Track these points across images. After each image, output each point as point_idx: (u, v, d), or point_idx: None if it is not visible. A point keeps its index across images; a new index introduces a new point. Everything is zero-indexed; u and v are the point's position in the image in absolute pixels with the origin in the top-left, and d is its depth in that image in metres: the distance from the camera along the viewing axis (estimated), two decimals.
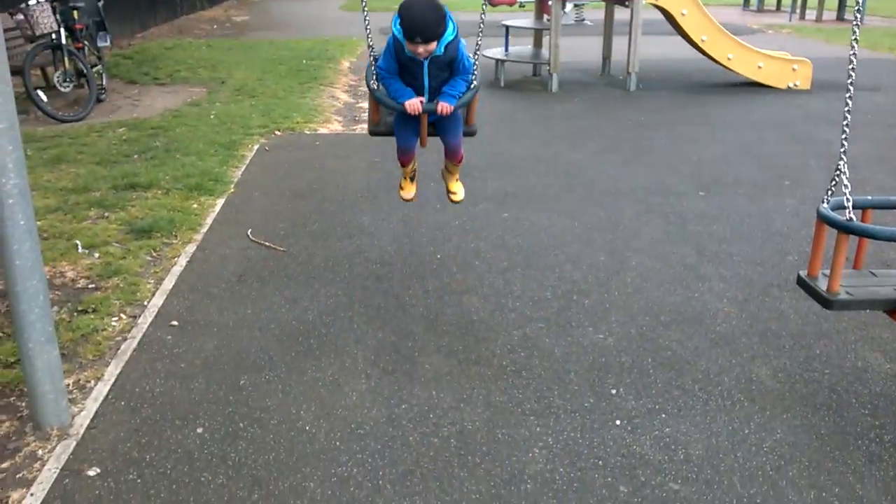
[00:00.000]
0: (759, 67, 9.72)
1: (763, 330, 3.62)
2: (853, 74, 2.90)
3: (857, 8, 2.90)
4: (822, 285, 2.89)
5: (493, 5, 19.51)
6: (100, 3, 9.25)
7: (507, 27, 10.53)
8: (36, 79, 8.19)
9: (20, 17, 8.02)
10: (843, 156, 2.86)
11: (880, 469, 2.66)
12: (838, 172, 2.87)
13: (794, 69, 9.69)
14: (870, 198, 3.03)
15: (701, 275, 4.21)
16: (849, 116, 2.89)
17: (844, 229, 2.76)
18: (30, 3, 7.82)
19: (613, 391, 3.11)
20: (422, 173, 4.40)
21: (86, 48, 8.49)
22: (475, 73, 3.56)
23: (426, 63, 3.45)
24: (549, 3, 9.52)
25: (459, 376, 3.22)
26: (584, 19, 17.74)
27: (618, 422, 2.91)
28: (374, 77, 3.57)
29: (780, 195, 5.54)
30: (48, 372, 2.76)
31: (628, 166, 6.25)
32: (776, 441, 2.80)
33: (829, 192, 2.92)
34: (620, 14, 10.68)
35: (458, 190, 4.16)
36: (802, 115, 8.21)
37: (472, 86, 3.56)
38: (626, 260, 4.40)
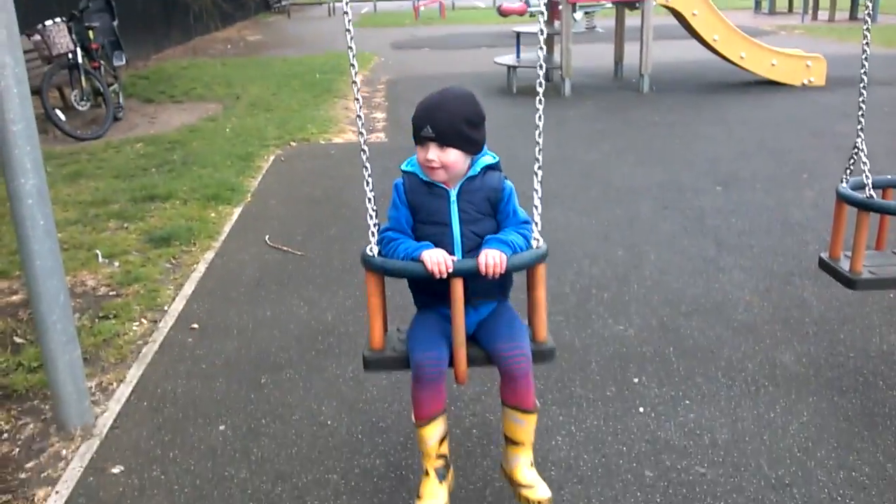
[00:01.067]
0: (773, 65, 9.68)
1: (786, 317, 3.58)
2: (867, 49, 2.87)
3: (867, 8, 2.87)
4: (845, 266, 2.86)
5: (504, 15, 19.68)
6: (115, 23, 9.40)
7: (519, 34, 10.58)
8: (54, 99, 8.32)
9: (37, 38, 8.16)
10: (860, 133, 2.83)
11: None
12: (856, 150, 2.84)
13: (807, 66, 9.64)
14: (889, 177, 3.00)
15: (721, 266, 4.18)
16: (864, 92, 2.86)
17: (865, 207, 2.74)
18: (46, 24, 7.96)
19: (636, 380, 3.09)
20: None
21: (102, 67, 8.61)
22: (536, 231, 2.22)
23: (453, 195, 2.23)
24: (560, 8, 9.55)
25: (480, 371, 3.18)
26: (595, 26, 17.74)
27: (641, 409, 2.88)
28: (375, 249, 2.23)
29: (799, 188, 5.49)
30: (70, 372, 2.78)
31: (644, 165, 6.23)
32: (803, 424, 2.76)
33: (848, 172, 2.90)
34: (631, 21, 10.70)
35: (536, 483, 2.23)
36: (818, 111, 8.16)
37: (537, 245, 2.21)
38: (645, 254, 4.37)
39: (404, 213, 2.25)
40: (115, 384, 3.15)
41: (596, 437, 2.73)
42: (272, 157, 6.75)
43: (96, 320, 3.69)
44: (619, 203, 5.27)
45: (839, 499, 2.37)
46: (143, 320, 3.72)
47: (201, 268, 4.34)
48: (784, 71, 9.67)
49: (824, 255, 2.97)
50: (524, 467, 2.28)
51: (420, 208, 2.24)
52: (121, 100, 8.99)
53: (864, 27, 2.84)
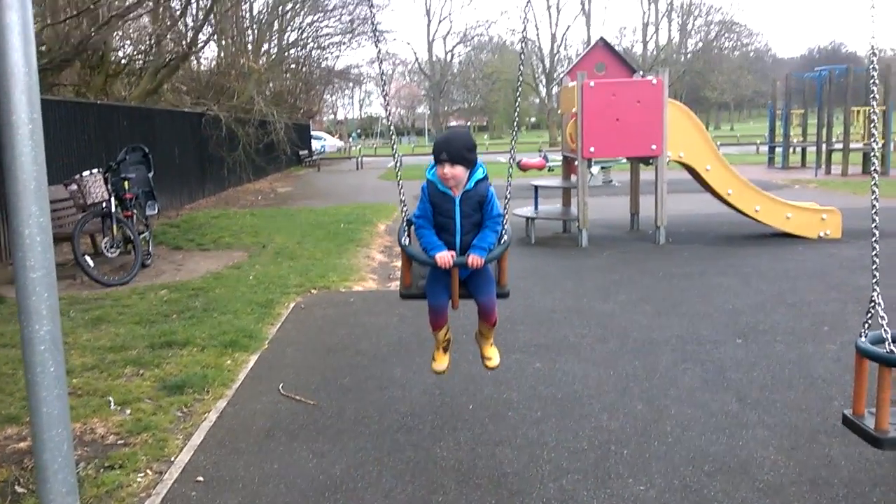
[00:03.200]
0: (788, 218, 9.82)
1: (813, 477, 3.41)
2: (877, 204, 2.90)
3: (874, 164, 2.95)
4: (870, 423, 2.75)
5: (523, 170, 20.42)
6: (150, 174, 9.84)
7: (537, 187, 10.91)
8: (85, 245, 8.59)
9: (74, 187, 8.55)
10: (875, 286, 2.82)
11: None
12: (873, 304, 2.81)
13: (822, 219, 9.77)
14: None
15: (744, 422, 4.05)
16: (877, 246, 2.87)
17: (886, 362, 2.67)
18: (84, 174, 8.35)
19: None
20: (455, 328, 4.38)
21: (135, 216, 8.94)
22: (506, 226, 3.54)
23: (458, 201, 3.49)
24: (576, 164, 9.88)
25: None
26: (611, 180, 18.31)
27: None
28: (406, 232, 3.57)
29: (820, 341, 5.40)
30: None
31: (661, 316, 6.19)
32: None
33: (867, 326, 2.85)
34: (646, 175, 11.01)
35: (494, 355, 3.94)
36: (836, 264, 8.17)
37: (503, 240, 3.52)
38: (665, 409, 4.26)
39: (427, 207, 3.52)
40: None
41: None
42: (292, 305, 6.82)
43: (101, 470, 3.61)
44: (637, 355, 5.20)
45: None
46: (148, 471, 3.63)
47: (212, 416, 4.29)
48: (799, 223, 9.79)
49: (848, 413, 2.87)
50: (487, 345, 3.93)
51: (436, 206, 3.52)
52: (150, 247, 9.25)
53: (872, 183, 2.88)
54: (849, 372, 4.56)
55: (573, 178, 10.53)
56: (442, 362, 3.91)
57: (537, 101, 70.92)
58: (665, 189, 9.75)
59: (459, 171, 3.40)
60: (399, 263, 8.98)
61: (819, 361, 4.97)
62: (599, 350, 5.34)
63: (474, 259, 3.43)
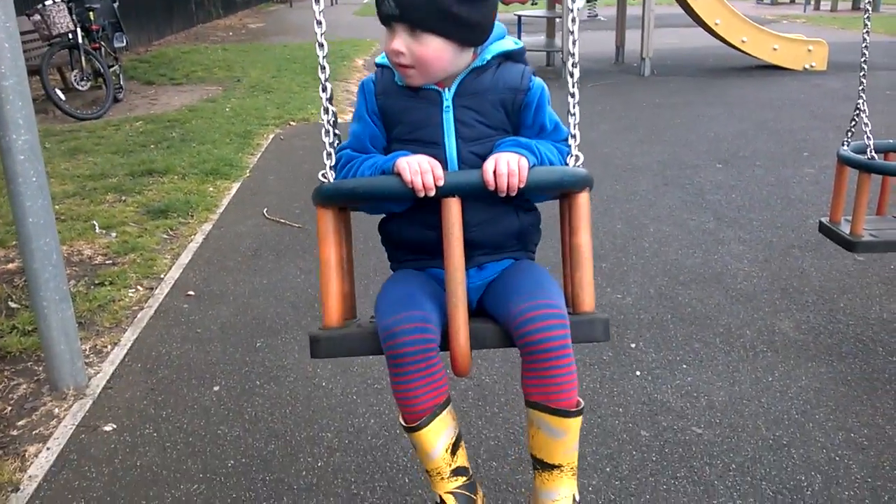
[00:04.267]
0: (775, 49, 9.63)
1: (785, 287, 3.55)
2: (868, 24, 2.83)
3: None
4: (845, 229, 2.83)
5: (506, 3, 19.60)
6: (115, 4, 9.35)
7: (520, 17, 10.53)
8: (54, 80, 8.28)
9: (37, 17, 8.12)
10: (861, 94, 2.80)
11: None
12: (857, 112, 2.81)
13: (809, 50, 9.60)
14: (891, 140, 2.96)
15: (720, 238, 4.15)
16: (867, 53, 2.82)
17: (866, 168, 2.71)
18: (46, 3, 7.92)
19: (633, 345, 3.06)
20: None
21: (102, 49, 8.57)
22: (574, 146, 1.59)
23: (448, 97, 1.59)
24: None
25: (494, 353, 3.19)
26: (596, 14, 17.70)
27: (637, 373, 2.86)
28: (331, 174, 1.60)
29: (799, 165, 5.46)
30: (63, 331, 2.76)
31: (644, 144, 6.19)
32: (801, 388, 2.74)
33: (849, 135, 2.87)
34: (632, 10, 10.65)
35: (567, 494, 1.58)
36: (820, 94, 8.12)
37: (577, 164, 1.59)
38: (644, 227, 4.35)
39: (371, 127, 1.61)
40: (109, 347, 3.14)
41: (592, 398, 2.70)
42: (271, 136, 6.72)
43: (92, 287, 3.67)
44: (618, 179, 5.24)
45: (837, 459, 2.35)
46: (138, 287, 3.70)
47: (199, 238, 4.32)
48: (785, 55, 9.62)
49: (824, 220, 2.94)
50: (551, 496, 1.55)
51: (397, 119, 1.60)
52: (121, 81, 8.94)
53: (865, 16, 2.79)
54: (826, 193, 4.65)
55: (557, 7, 10.15)
56: None
57: None
58: (653, 18, 9.44)
59: (433, 51, 1.52)
60: None
61: (797, 184, 5.04)
62: None
63: (503, 160, 1.48)
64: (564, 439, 1.51)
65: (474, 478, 1.61)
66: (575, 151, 1.58)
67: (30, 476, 2.36)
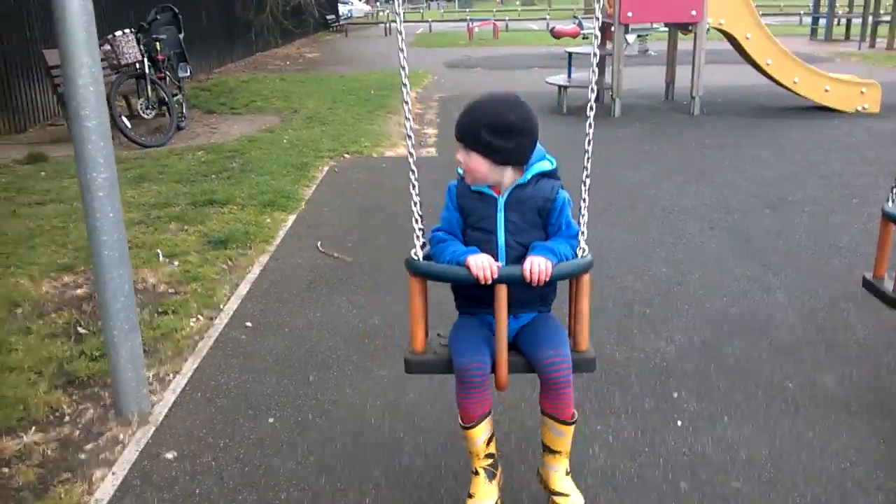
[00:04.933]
0: (826, 91, 9.58)
1: (829, 340, 3.57)
2: None
3: None
4: (889, 286, 2.86)
5: (557, 38, 19.81)
6: (181, 36, 9.76)
7: (570, 54, 10.67)
8: (120, 107, 8.68)
9: (107, 47, 8.52)
10: None
11: None
12: None
13: (861, 92, 9.53)
14: None
15: (766, 287, 4.18)
16: None
17: None
18: (116, 34, 8.32)
19: (675, 394, 3.12)
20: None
21: (167, 78, 8.97)
22: (583, 242, 2.23)
23: (501, 202, 2.25)
24: (612, 30, 9.61)
25: (521, 378, 3.27)
26: (647, 50, 17.79)
27: (679, 423, 2.92)
28: (420, 253, 2.28)
29: (848, 213, 5.45)
30: (130, 360, 2.93)
31: (691, 185, 6.24)
32: (842, 444, 2.77)
33: (893, 192, 2.91)
34: (684, 45, 10.70)
35: (571, 494, 2.32)
36: (871, 138, 8.06)
37: (583, 255, 2.23)
38: (689, 272, 4.40)
39: (455, 215, 2.31)
40: (171, 375, 3.31)
41: (633, 448, 2.77)
42: (326, 168, 6.95)
43: (156, 315, 3.87)
44: (665, 222, 5.30)
45: None
46: (199, 317, 3.89)
47: (256, 270, 4.51)
48: (838, 97, 9.56)
49: (868, 275, 2.98)
50: (560, 475, 2.35)
51: (469, 213, 2.29)
52: (184, 110, 9.33)
53: None
54: (874, 243, 4.64)
55: (608, 45, 10.27)
56: (487, 496, 2.30)
57: None
58: (703, 57, 9.50)
59: (475, 163, 2.19)
60: (429, 130, 9.04)
61: (845, 232, 5.04)
62: (628, 216, 5.44)
63: (536, 263, 2.12)
64: (564, 437, 2.33)
65: (498, 461, 2.39)
66: (583, 245, 2.24)
67: (96, 500, 2.52)
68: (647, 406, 3.04)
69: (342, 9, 38.30)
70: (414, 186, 2.25)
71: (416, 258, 2.27)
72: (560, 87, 10.14)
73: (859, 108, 9.54)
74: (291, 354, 3.50)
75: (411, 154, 2.26)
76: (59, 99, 8.25)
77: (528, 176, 2.25)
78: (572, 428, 2.31)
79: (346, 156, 7.49)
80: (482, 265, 2.13)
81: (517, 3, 56.99)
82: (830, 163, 6.97)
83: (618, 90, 9.55)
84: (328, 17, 30.24)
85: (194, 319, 3.86)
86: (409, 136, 2.26)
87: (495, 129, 2.15)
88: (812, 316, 3.83)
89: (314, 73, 15.64)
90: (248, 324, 3.81)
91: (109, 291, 2.84)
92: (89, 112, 2.69)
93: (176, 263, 4.58)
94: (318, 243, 4.92)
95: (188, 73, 9.93)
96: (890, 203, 2.89)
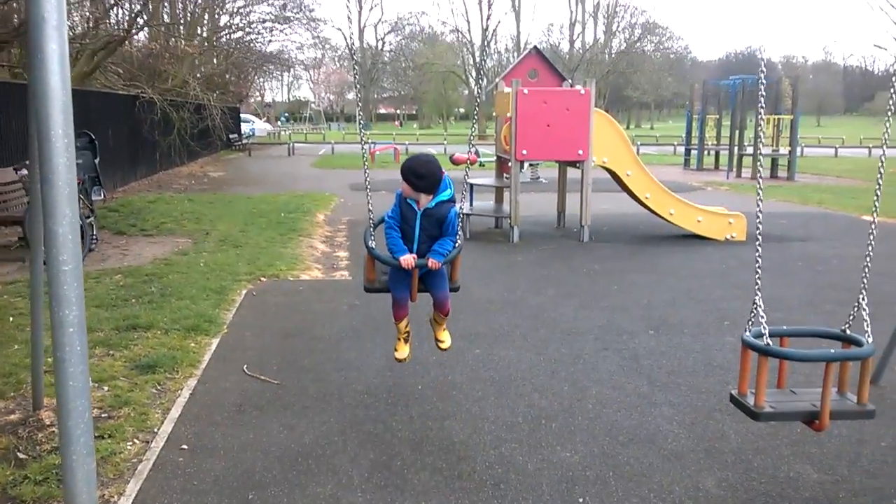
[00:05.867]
0: (699, 221, 10.73)
1: (708, 447, 4.13)
2: (760, 216, 3.60)
3: (759, 172, 3.64)
4: (750, 401, 3.45)
5: (456, 164, 21.01)
6: (96, 161, 10.01)
7: (472, 185, 11.51)
8: None
9: (24, 171, 8.68)
10: (757, 292, 3.51)
11: None
12: (755, 306, 3.51)
13: (730, 223, 10.72)
14: (784, 327, 3.66)
15: (653, 402, 4.75)
16: (759, 261, 3.57)
17: (764, 353, 3.37)
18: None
19: (580, 500, 3.56)
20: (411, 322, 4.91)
21: (81, 201, 9.11)
22: (460, 235, 4.25)
23: (419, 215, 4.17)
24: (509, 164, 10.53)
25: (445, 489, 3.64)
26: (539, 177, 19.15)
27: None
28: (373, 235, 4.20)
29: (721, 334, 6.20)
30: (86, 483, 3.11)
31: (585, 309, 6.90)
32: None
33: (750, 323, 3.55)
34: (572, 174, 11.77)
35: (446, 338, 4.66)
36: (739, 264, 9.08)
37: (457, 245, 4.22)
38: (587, 389, 4.93)
39: (397, 210, 4.20)
40: (115, 497, 3.48)
41: None
42: (244, 292, 7.23)
43: (93, 440, 4.01)
44: (563, 343, 5.88)
45: None
46: (135, 440, 4.07)
47: (185, 393, 4.72)
48: (709, 227, 10.72)
49: (734, 392, 3.57)
50: (440, 330, 4.63)
51: (403, 214, 4.20)
52: (94, 231, 9.44)
53: (758, 193, 3.57)
54: None
55: (505, 177, 11.19)
56: (403, 351, 4.57)
57: (466, 92, 71.86)
58: (590, 191, 10.51)
59: (406, 187, 4.13)
60: (342, 254, 9.52)
61: (719, 351, 5.74)
62: (531, 338, 5.99)
63: (433, 262, 4.14)
64: (444, 321, 4.60)
65: (409, 337, 4.61)
66: (458, 241, 4.25)
67: None
68: None
69: (244, 127, 39.02)
70: (369, 202, 4.23)
71: (371, 245, 4.19)
72: (463, 214, 10.90)
73: (728, 237, 10.70)
74: (229, 475, 3.73)
75: (366, 172, 4.47)
76: None
77: (435, 202, 4.13)
78: (448, 317, 4.55)
79: (263, 279, 7.81)
80: (408, 262, 4.10)
81: (415, 126, 59.52)
82: (704, 288, 7.84)
83: (515, 218, 10.38)
84: (231, 135, 30.80)
85: (130, 443, 4.04)
86: (366, 174, 4.49)
87: (417, 174, 4.09)
88: (693, 426, 4.40)
89: (221, 193, 15.96)
90: (184, 446, 4.02)
91: (72, 419, 3.06)
92: (67, 257, 3.00)
93: (106, 388, 4.74)
94: (245, 367, 5.19)
95: (101, 197, 10.13)
96: (747, 332, 3.52)
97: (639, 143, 36.33)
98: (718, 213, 10.91)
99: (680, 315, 6.75)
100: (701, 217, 10.77)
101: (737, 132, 23.23)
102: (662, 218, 10.86)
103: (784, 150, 22.03)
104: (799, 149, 22.95)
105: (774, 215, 13.10)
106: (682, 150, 29.20)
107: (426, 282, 4.31)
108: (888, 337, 4.97)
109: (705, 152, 25.94)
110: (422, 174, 4.08)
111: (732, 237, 10.70)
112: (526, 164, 16.55)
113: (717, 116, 26.16)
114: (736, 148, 23.18)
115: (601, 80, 59.80)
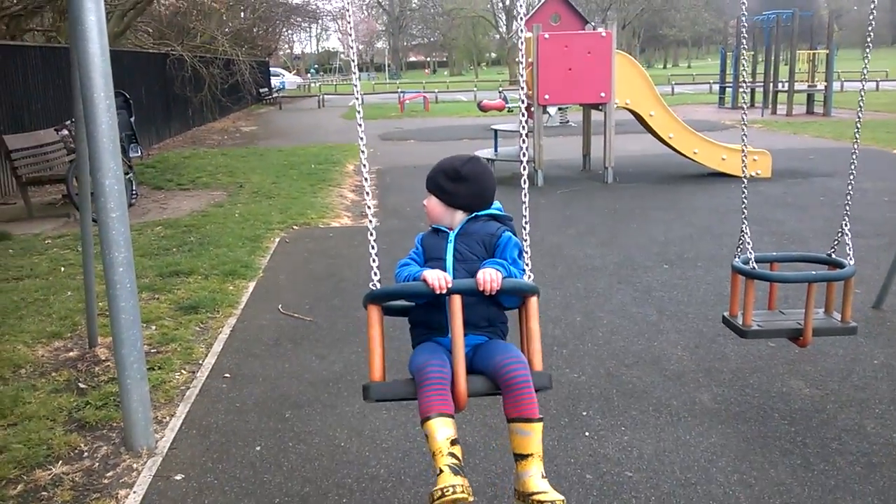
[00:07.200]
0: (723, 159, 10.82)
1: (708, 367, 4.43)
2: (745, 149, 3.82)
3: (742, 100, 3.84)
4: (739, 321, 3.73)
5: (484, 111, 21.09)
6: (132, 119, 10.41)
7: (496, 131, 11.72)
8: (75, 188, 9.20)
9: (64, 132, 9.13)
10: (744, 220, 3.76)
11: (791, 459, 3.42)
12: (742, 234, 3.76)
13: (755, 160, 10.78)
14: (774, 253, 3.92)
15: (661, 329, 5.04)
16: (745, 192, 3.80)
17: (750, 276, 3.63)
18: (73, 119, 8.92)
19: (584, 413, 3.90)
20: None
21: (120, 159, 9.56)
22: (528, 273, 2.65)
23: (452, 235, 2.67)
24: (532, 109, 10.70)
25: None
26: (568, 121, 19.17)
27: (586, 433, 3.69)
28: (377, 284, 2.64)
29: None
30: (141, 403, 3.55)
31: (604, 247, 7.17)
32: (710, 443, 3.57)
33: (739, 250, 3.81)
34: (597, 116, 11.88)
35: (549, 491, 2.32)
36: (761, 200, 9.22)
37: (527, 276, 2.63)
38: (598, 319, 5.24)
39: (419, 249, 2.75)
40: (168, 418, 3.92)
41: (550, 452, 3.50)
42: (278, 240, 7.64)
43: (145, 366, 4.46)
44: (579, 278, 6.17)
45: (731, 493, 3.17)
46: (182, 371, 4.50)
47: (226, 330, 5.15)
48: (733, 164, 10.81)
49: (726, 314, 3.85)
50: (536, 478, 2.32)
51: (428, 248, 2.71)
52: (134, 187, 9.90)
53: (742, 150, 3.79)
54: None
55: (530, 121, 11.37)
56: (451, 488, 2.21)
57: (497, 36, 70.98)
58: (613, 133, 10.64)
59: (431, 204, 2.72)
60: (369, 202, 9.87)
61: (729, 283, 5.97)
62: (548, 275, 6.29)
63: (487, 273, 2.40)
64: (532, 436, 2.37)
65: (463, 467, 2.31)
66: (528, 273, 2.67)
67: None
68: (562, 423, 3.80)
69: (274, 81, 39.34)
70: (372, 234, 2.62)
71: (373, 287, 2.54)
72: (488, 160, 11.13)
73: (753, 174, 10.79)
74: (268, 398, 4.15)
75: (369, 207, 2.70)
76: (19, 181, 8.75)
77: (475, 215, 2.69)
78: (540, 426, 2.35)
79: (295, 227, 8.20)
80: (437, 276, 2.37)
81: (445, 73, 59.16)
82: (723, 224, 8.03)
83: (539, 162, 10.58)
84: (261, 90, 31.15)
85: (178, 373, 4.47)
86: (367, 197, 2.72)
87: (450, 176, 2.67)
88: (696, 349, 4.69)
89: (253, 146, 16.37)
90: (227, 375, 4.44)
91: (126, 347, 3.48)
92: (114, 205, 3.39)
93: (154, 327, 5.18)
94: (280, 306, 5.59)
95: (139, 153, 10.56)
96: (737, 259, 3.78)
97: (674, 82, 35.79)
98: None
99: (696, 249, 6.98)
100: (725, 155, 10.86)
101: (771, 68, 22.86)
102: (687, 157, 10.97)
103: (821, 85, 21.66)
104: (839, 84, 22.50)
105: (804, 150, 13.11)
106: (717, 87, 28.75)
107: (476, 361, 2.53)
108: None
109: (740, 90, 25.50)
110: (464, 176, 2.67)
111: (757, 174, 10.78)
112: (553, 108, 16.62)
113: (753, 52, 25.66)
114: (770, 84, 22.84)
115: (635, 18, 58.65)
